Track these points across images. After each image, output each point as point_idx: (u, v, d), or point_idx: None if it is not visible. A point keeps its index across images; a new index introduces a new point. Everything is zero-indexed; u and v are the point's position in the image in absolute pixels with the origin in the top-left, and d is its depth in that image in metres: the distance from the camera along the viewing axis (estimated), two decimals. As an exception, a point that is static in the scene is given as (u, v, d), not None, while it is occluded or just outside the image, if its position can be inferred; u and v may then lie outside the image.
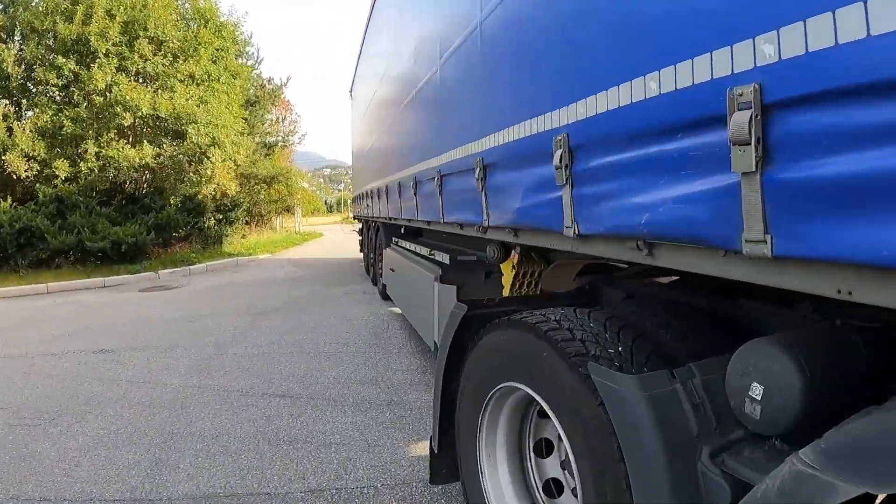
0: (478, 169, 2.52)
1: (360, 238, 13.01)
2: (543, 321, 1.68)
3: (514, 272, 3.27)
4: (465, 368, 2.13)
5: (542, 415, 2.16)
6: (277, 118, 28.23)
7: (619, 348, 1.59)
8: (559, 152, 1.69)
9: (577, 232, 1.66)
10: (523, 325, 1.74)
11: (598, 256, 1.65)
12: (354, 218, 13.62)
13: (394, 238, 7.58)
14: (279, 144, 27.41)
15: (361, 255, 12.97)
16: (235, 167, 17.47)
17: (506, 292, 3.42)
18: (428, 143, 3.84)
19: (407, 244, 6.46)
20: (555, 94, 1.77)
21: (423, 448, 3.33)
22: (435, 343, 4.35)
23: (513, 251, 2.56)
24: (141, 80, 14.26)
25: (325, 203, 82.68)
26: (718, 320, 1.91)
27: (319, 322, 7.05)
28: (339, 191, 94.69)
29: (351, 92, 12.15)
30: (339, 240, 25.26)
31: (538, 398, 1.66)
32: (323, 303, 8.49)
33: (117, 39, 13.24)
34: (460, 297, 4.30)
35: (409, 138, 4.86)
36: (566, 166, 1.67)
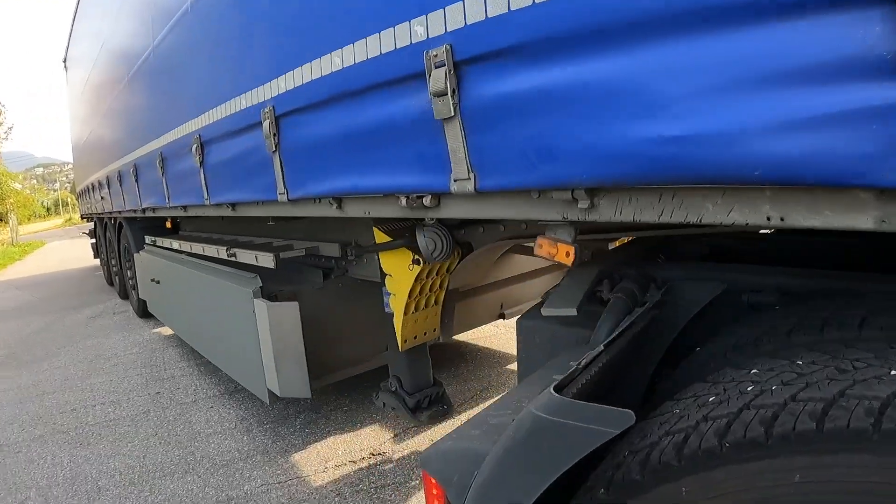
0: (442, 77, 1.24)
1: (94, 241, 10.13)
2: None
3: (416, 272, 2.19)
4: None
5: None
6: (-23, 109, 22.91)
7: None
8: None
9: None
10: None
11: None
12: (83, 217, 10.51)
13: (148, 237, 5.69)
14: (-18, 141, 22.17)
15: (98, 261, 10.02)
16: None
17: (400, 305, 2.29)
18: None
19: (178, 244, 4.58)
20: None
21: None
22: (271, 393, 2.74)
23: (539, 239, 1.29)
24: None
25: (43, 205, 70.74)
26: None
27: (68, 371, 4.81)
28: (56, 191, 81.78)
29: (65, 62, 8.99)
30: (66, 246, 20.95)
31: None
32: (66, 339, 6.05)
33: None
34: (305, 315, 2.66)
35: (178, 87, 3.17)
36: None
